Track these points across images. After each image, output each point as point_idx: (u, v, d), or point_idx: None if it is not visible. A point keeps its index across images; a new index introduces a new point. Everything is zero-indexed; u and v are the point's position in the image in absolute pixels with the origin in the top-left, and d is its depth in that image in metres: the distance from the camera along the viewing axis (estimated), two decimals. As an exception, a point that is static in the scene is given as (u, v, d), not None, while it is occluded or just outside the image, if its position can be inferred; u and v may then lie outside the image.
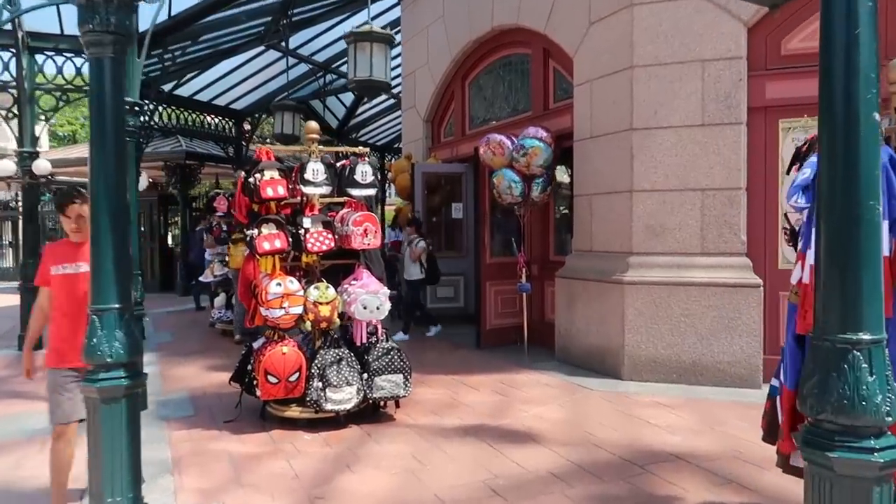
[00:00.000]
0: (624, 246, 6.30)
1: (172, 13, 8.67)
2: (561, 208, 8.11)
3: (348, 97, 15.77)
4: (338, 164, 5.26)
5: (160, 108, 11.99)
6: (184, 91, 12.72)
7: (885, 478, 1.81)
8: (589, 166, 6.75)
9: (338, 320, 4.99)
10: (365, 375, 4.93)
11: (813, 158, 2.63)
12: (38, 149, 9.11)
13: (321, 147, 5.21)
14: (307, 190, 4.97)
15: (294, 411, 4.93)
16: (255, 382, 4.87)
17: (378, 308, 4.97)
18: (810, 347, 1.98)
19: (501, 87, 8.86)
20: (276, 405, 5.00)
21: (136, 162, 9.09)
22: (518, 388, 5.98)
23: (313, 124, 5.31)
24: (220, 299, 9.38)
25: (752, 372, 5.74)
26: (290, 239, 4.88)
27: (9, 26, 8.09)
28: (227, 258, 8.79)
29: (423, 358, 7.10)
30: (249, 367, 5.03)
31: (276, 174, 4.84)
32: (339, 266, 5.34)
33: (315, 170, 4.94)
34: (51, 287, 3.38)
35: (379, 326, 5.13)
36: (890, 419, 1.83)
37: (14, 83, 8.54)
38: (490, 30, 8.56)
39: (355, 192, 5.13)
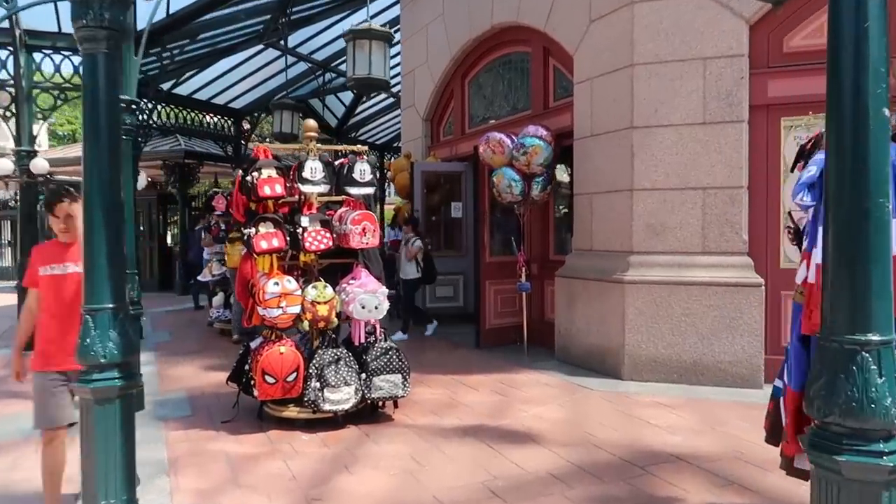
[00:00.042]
0: (624, 245, 6.25)
1: (170, 11, 8.63)
2: (561, 207, 8.07)
3: (347, 96, 15.73)
4: (336, 163, 5.21)
5: (159, 107, 11.94)
6: (182, 90, 12.68)
7: (894, 482, 1.77)
8: (589, 165, 6.71)
9: (336, 320, 4.95)
10: (363, 375, 4.88)
11: (818, 156, 2.59)
12: (37, 148, 9.08)
13: (319, 145, 5.16)
14: (305, 188, 4.92)
15: (292, 411, 4.89)
16: (252, 382, 4.82)
17: (376, 307, 4.93)
18: (817, 348, 1.93)
19: (501, 85, 8.82)
20: (274, 405, 4.96)
21: (133, 161, 9.08)
22: (517, 388, 5.94)
23: (311, 122, 5.27)
24: (218, 298, 9.34)
25: (754, 372, 5.70)
26: (288, 238, 4.84)
27: (6, 24, 8.05)
28: (225, 257, 8.75)
29: (421, 357, 7.06)
30: (247, 367, 4.98)
31: (273, 172, 4.79)
32: (337, 265, 5.29)
33: (313, 168, 4.90)
34: (39, 288, 3.31)
35: (377, 326, 5.08)
36: (900, 422, 1.79)
37: (12, 82, 8.50)
38: (490, 28, 8.51)
39: (354, 190, 5.09)
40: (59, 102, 8.85)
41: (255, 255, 4.80)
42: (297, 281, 4.87)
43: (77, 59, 8.46)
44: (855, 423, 1.80)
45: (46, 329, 3.28)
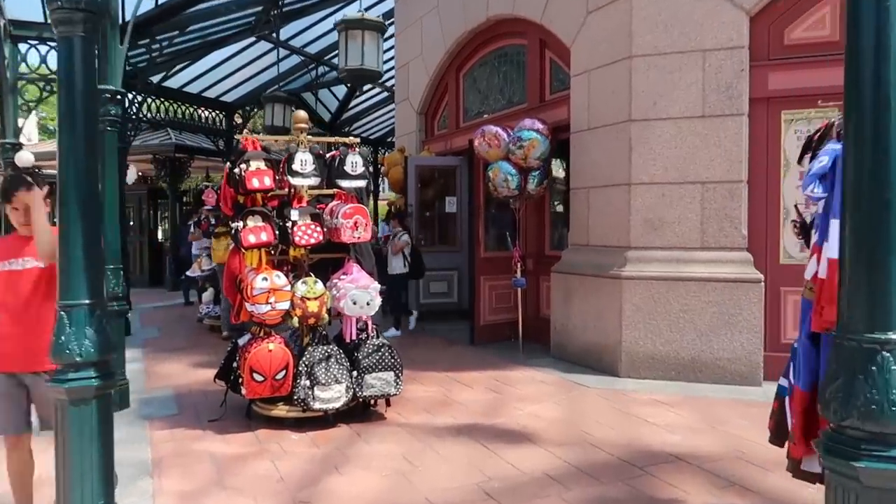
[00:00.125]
0: (622, 240, 6.14)
1: (159, 1, 8.45)
2: (556, 202, 7.96)
3: (341, 90, 15.55)
4: (327, 155, 5.08)
5: (148, 100, 11.73)
6: (173, 83, 12.46)
7: (917, 490, 1.66)
8: (586, 158, 6.59)
9: (326, 316, 4.82)
10: (354, 373, 4.76)
11: (830, 146, 2.48)
12: (26, 141, 8.89)
13: (310, 137, 5.03)
14: (295, 181, 4.79)
15: (281, 410, 4.76)
16: (240, 380, 4.69)
17: (368, 304, 4.81)
18: (833, 347, 1.82)
19: (496, 78, 8.69)
20: (263, 404, 4.83)
21: (119, 153, 8.90)
22: (513, 386, 5.82)
23: (302, 113, 5.13)
24: (207, 294, 9.20)
25: (753, 369, 5.60)
26: (277, 232, 4.71)
27: (-10, 13, 7.85)
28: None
29: (414, 354, 6.93)
30: (235, 365, 4.85)
31: (262, 164, 4.64)
32: (328, 260, 5.17)
33: (303, 160, 4.76)
34: None
35: (369, 322, 4.96)
36: (922, 426, 1.67)
37: (-4, 72, 8.29)
38: (485, 20, 8.39)
39: (345, 183, 4.95)
40: (45, 94, 8.65)
41: (242, 250, 4.66)
42: (287, 276, 4.74)
43: (65, 51, 8.28)
44: (874, 427, 1.69)
45: None
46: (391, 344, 4.98)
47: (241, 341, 4.87)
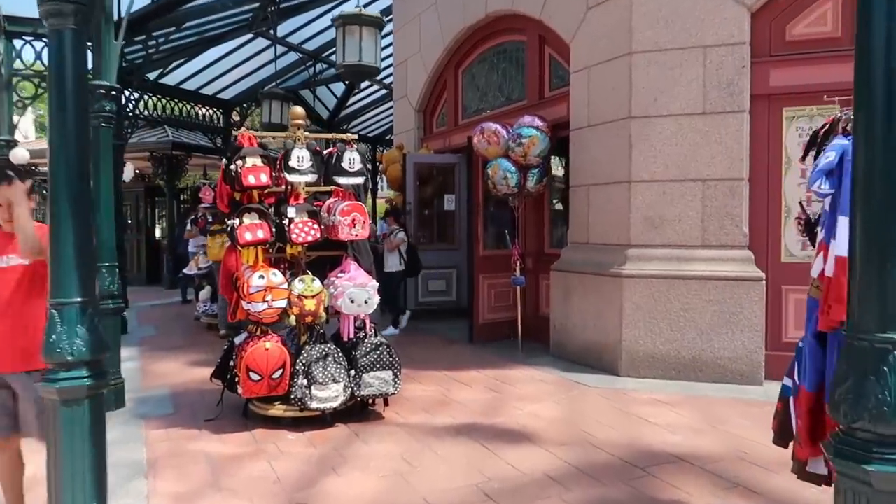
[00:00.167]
0: (622, 238, 6.09)
1: (155, -3, 8.40)
2: (555, 200, 7.91)
3: (339, 88, 15.49)
4: (325, 152, 5.02)
5: (145, 97, 11.66)
6: (170, 80, 12.41)
7: (931, 494, 1.61)
8: (586, 156, 6.54)
9: (324, 314, 4.76)
10: (352, 372, 4.70)
11: (837, 141, 2.43)
12: (24, 138, 8.82)
13: (307, 133, 4.97)
14: (292, 178, 4.72)
15: (278, 409, 4.71)
16: (236, 379, 4.63)
17: (366, 302, 4.75)
18: (843, 348, 1.77)
19: (495, 75, 8.64)
20: (260, 403, 4.78)
21: (115, 150, 8.83)
22: (512, 385, 5.77)
23: (299, 109, 5.07)
24: (205, 292, 9.13)
25: (754, 368, 5.56)
26: (274, 229, 4.65)
27: (-16, 9, 7.79)
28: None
29: (413, 353, 6.88)
30: (231, 364, 4.80)
31: (258, 161, 4.58)
32: (325, 258, 5.11)
33: (300, 157, 4.70)
34: None
35: (367, 321, 4.91)
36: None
37: (-10, 68, 8.22)
38: (484, 16, 8.33)
39: (343, 180, 4.90)
40: (40, 91, 8.59)
41: (239, 247, 4.60)
42: (284, 274, 4.68)
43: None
44: (886, 430, 1.65)
45: None
46: (389, 343, 4.93)
47: (237, 340, 4.81)
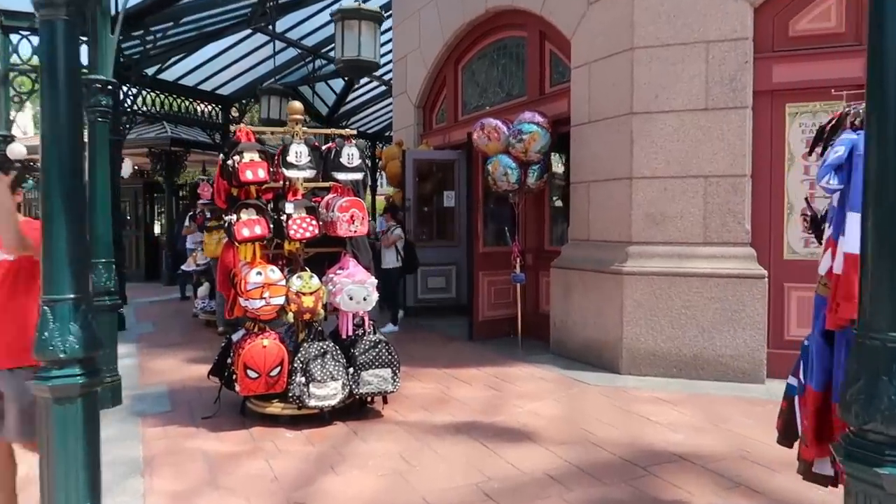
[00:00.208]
0: (623, 235, 6.05)
1: (152, -9, 8.33)
2: (555, 196, 7.86)
3: (338, 84, 15.40)
4: (323, 147, 4.97)
5: (143, 93, 11.59)
6: (168, 75, 12.31)
7: (945, 498, 1.57)
8: (587, 152, 6.49)
9: (322, 312, 4.71)
10: (351, 370, 4.66)
11: (846, 135, 2.38)
12: (22, 133, 8.76)
13: (305, 129, 4.92)
14: (290, 173, 4.67)
15: (276, 407, 4.66)
16: (234, 377, 4.59)
17: (365, 299, 4.71)
18: (854, 347, 1.73)
19: (495, 71, 8.58)
20: (257, 401, 4.73)
21: (113, 146, 8.77)
22: (512, 383, 5.73)
23: (297, 104, 5.02)
24: (203, 289, 9.09)
25: (756, 366, 5.52)
26: (272, 225, 4.59)
27: (-20, 3, 7.73)
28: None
29: (412, 350, 6.84)
30: (229, 361, 4.76)
31: (256, 156, 4.53)
32: (324, 254, 5.06)
33: (298, 152, 4.65)
34: None
35: (366, 318, 4.86)
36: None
37: (-13, 64, 8.15)
38: (484, 12, 8.27)
39: (341, 175, 4.84)
40: (37, 86, 8.52)
41: (236, 244, 4.55)
42: (282, 271, 4.63)
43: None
44: (899, 432, 1.60)
45: None
46: (388, 340, 4.88)
47: (235, 337, 4.77)
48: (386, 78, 14.20)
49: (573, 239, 6.78)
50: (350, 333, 4.79)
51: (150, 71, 11.20)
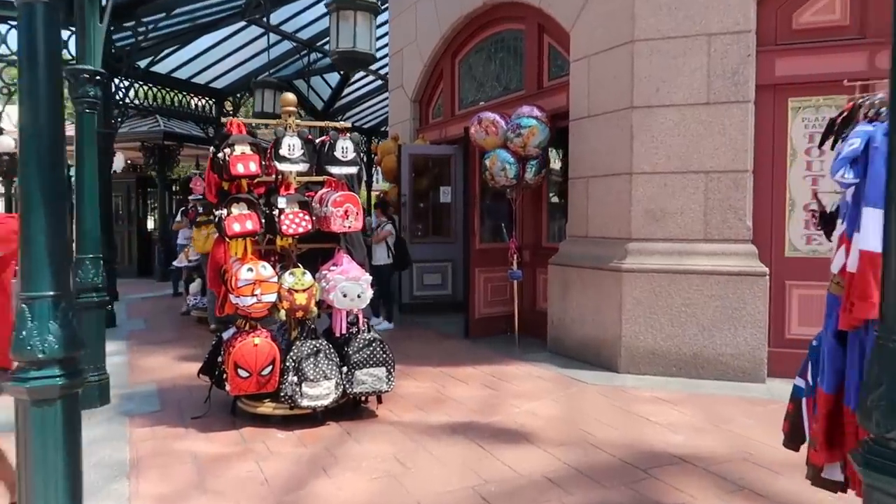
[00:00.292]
0: (622, 231, 5.95)
1: (143, -19, 8.18)
2: (553, 192, 7.75)
3: (334, 78, 15.26)
4: (317, 140, 4.85)
5: (136, 85, 11.43)
6: (161, 68, 12.16)
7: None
8: (585, 147, 6.38)
9: (315, 309, 4.60)
10: (344, 369, 4.55)
11: (861, 127, 2.27)
12: (13, 125, 8.61)
13: (299, 121, 4.80)
14: (282, 167, 4.55)
15: (267, 407, 4.55)
16: (224, 376, 4.48)
17: (359, 296, 4.59)
18: (875, 350, 1.63)
19: (493, 65, 8.46)
20: (249, 401, 4.62)
21: (105, 139, 8.64)
22: (509, 382, 5.63)
23: (290, 96, 4.89)
24: (195, 285, 8.96)
25: (757, 365, 5.43)
26: (263, 220, 4.48)
27: (-33, -7, 7.57)
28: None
29: (407, 349, 6.74)
30: (220, 360, 4.64)
31: (247, 149, 4.40)
32: (317, 250, 4.95)
33: (291, 145, 4.53)
34: None
35: (360, 316, 4.75)
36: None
37: (-26, 54, 8.02)
38: (482, 4, 8.14)
39: (335, 169, 4.73)
40: (27, 77, 8.36)
41: (227, 239, 4.43)
42: (274, 267, 4.51)
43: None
44: (925, 441, 1.51)
45: None
46: (383, 338, 4.78)
47: (225, 335, 4.65)
48: (382, 72, 14.06)
49: (571, 235, 6.68)
50: (344, 331, 4.67)
51: (143, 63, 11.03)
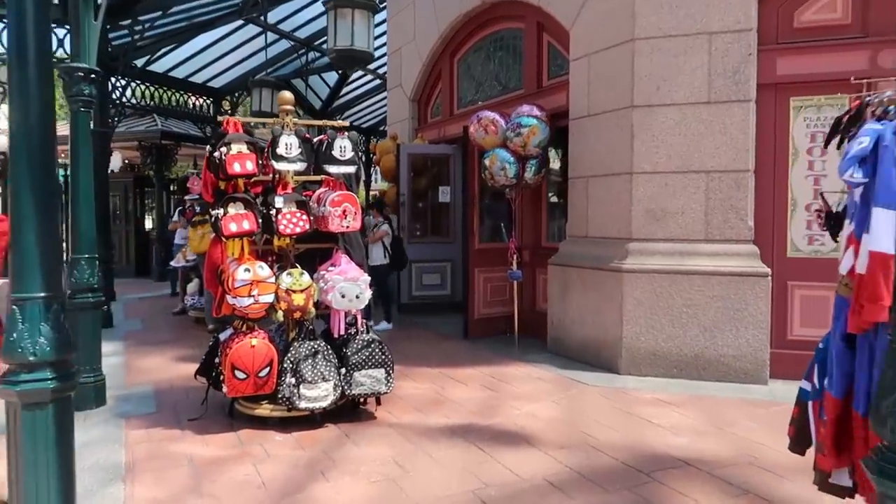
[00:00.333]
0: (622, 231, 5.90)
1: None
2: (553, 192, 7.70)
3: (332, 77, 15.19)
4: (315, 139, 4.79)
5: (132, 84, 11.36)
6: (158, 67, 12.11)
7: None
8: (585, 146, 6.34)
9: (313, 310, 4.55)
10: (343, 370, 4.50)
11: (869, 126, 2.23)
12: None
13: (296, 120, 4.74)
14: (280, 166, 4.50)
15: (265, 409, 4.49)
16: (221, 378, 4.42)
17: (358, 297, 4.54)
18: (889, 355, 1.58)
19: (492, 64, 8.41)
20: (246, 402, 4.56)
21: (102, 138, 8.58)
22: (509, 383, 5.59)
23: (287, 94, 4.84)
24: (192, 285, 8.90)
25: (759, 367, 5.39)
26: (260, 220, 4.42)
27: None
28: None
29: (406, 350, 6.69)
30: (217, 361, 4.59)
31: (244, 148, 4.35)
32: (314, 251, 4.90)
33: (289, 144, 4.47)
34: None
35: (358, 317, 4.70)
36: None
37: (-31, 52, 7.95)
38: (480, 3, 8.10)
39: (333, 169, 4.67)
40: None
41: (224, 239, 4.38)
42: (271, 267, 4.46)
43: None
44: (942, 449, 1.46)
45: None
46: (382, 339, 4.72)
47: (222, 336, 4.60)
48: (380, 71, 14.00)
49: (571, 235, 6.63)
50: (342, 332, 4.62)
51: (140, 62, 10.98)
